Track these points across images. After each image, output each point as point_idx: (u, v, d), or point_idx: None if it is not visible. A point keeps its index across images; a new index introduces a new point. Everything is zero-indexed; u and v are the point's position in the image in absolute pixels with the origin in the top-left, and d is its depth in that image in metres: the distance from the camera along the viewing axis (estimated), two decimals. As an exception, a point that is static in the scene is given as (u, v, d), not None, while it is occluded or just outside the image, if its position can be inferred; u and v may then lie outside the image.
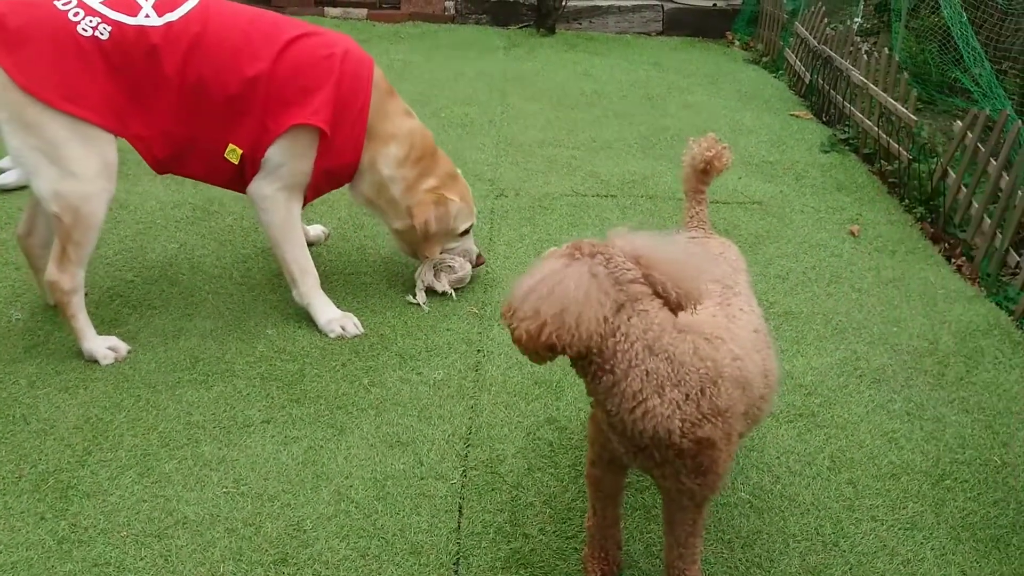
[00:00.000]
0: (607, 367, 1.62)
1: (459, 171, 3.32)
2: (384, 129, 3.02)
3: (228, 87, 2.73)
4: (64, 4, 2.56)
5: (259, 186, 2.90)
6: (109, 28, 2.57)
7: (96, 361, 2.81)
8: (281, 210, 2.94)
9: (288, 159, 2.85)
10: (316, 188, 3.04)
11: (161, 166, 2.88)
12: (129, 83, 2.65)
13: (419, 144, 3.10)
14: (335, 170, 2.99)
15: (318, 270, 3.12)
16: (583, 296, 1.55)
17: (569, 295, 1.55)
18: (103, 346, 2.84)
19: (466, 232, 3.33)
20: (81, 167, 2.62)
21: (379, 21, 7.74)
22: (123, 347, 2.87)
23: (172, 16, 2.68)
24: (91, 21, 2.56)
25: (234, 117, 2.78)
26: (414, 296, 3.28)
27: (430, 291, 3.30)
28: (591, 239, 1.65)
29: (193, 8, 2.73)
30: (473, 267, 3.38)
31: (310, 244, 3.61)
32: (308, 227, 3.67)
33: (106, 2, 2.61)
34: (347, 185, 3.17)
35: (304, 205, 3.09)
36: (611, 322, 1.59)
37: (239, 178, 2.94)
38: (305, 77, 2.80)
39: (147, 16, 2.64)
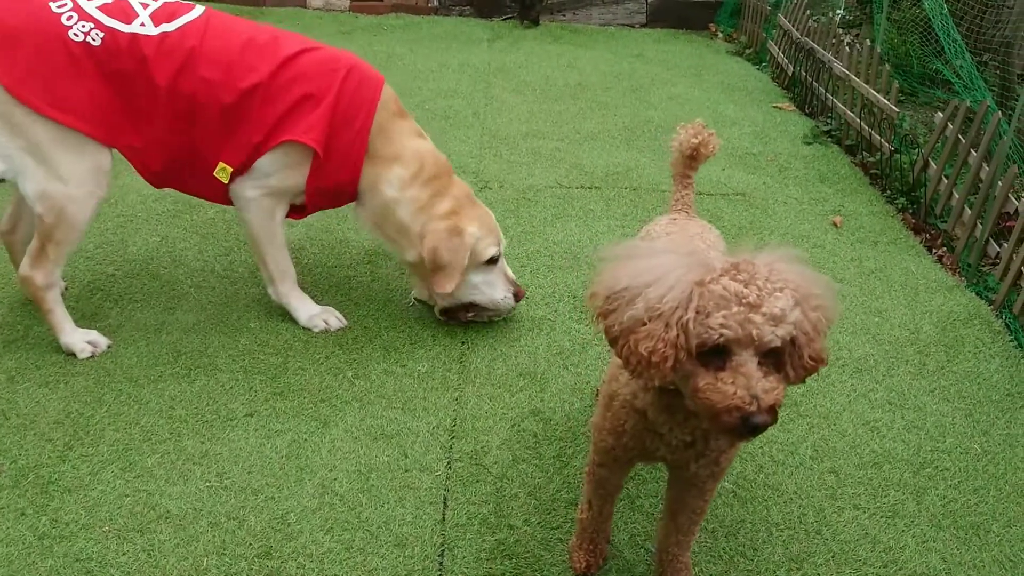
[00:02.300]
0: None
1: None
2: (387, 150, 2.86)
3: (222, 101, 2.65)
4: (59, 6, 2.51)
5: (243, 187, 2.81)
6: (102, 35, 2.52)
7: (74, 355, 2.79)
8: (264, 212, 2.86)
9: (277, 171, 2.78)
10: (314, 204, 2.95)
11: (157, 179, 2.83)
12: (122, 92, 2.58)
13: (430, 164, 2.92)
14: (330, 189, 2.87)
15: (300, 263, 3.11)
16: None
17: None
18: (82, 340, 2.81)
19: (492, 261, 2.98)
20: (69, 171, 2.58)
21: (362, 13, 7.70)
22: (103, 341, 2.85)
23: (168, 27, 2.61)
24: (84, 26, 2.50)
25: (226, 132, 2.70)
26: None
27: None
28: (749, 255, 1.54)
29: (191, 21, 2.67)
30: (516, 300, 3.05)
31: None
32: None
33: (102, 7, 2.56)
34: (354, 209, 3.03)
35: (302, 217, 3.06)
36: None
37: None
38: (301, 93, 2.70)
39: (142, 25, 2.57)
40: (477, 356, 2.95)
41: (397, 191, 2.88)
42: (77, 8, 2.52)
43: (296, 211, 3.02)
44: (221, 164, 2.74)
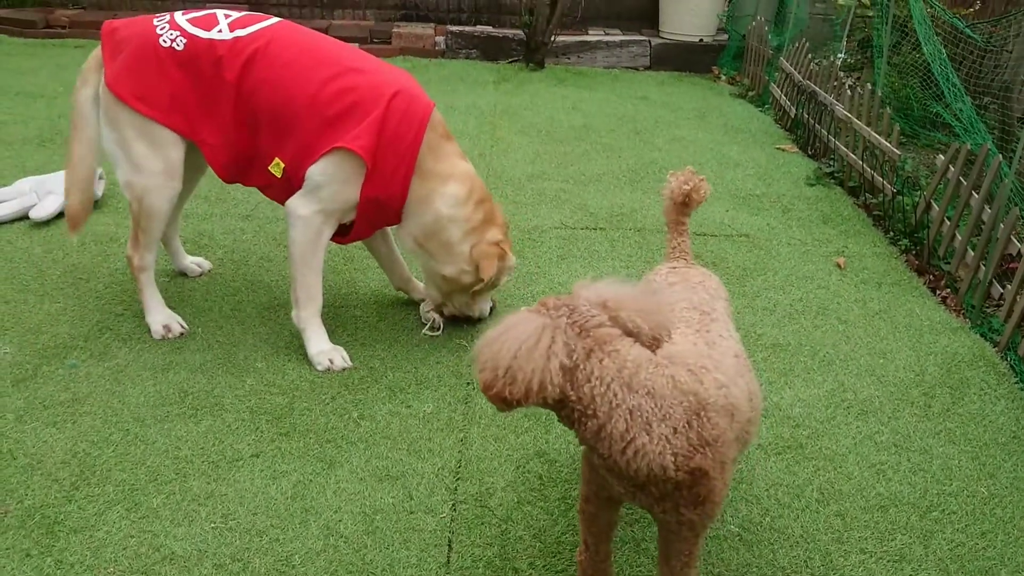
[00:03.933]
0: (589, 412, 1.63)
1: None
2: (440, 168, 3.00)
3: (275, 100, 2.86)
4: (158, 20, 2.94)
5: (297, 204, 2.93)
6: (185, 40, 2.87)
7: (150, 333, 3.17)
8: (311, 232, 2.94)
9: (328, 183, 2.87)
10: (367, 218, 3.00)
11: (227, 172, 3.03)
12: (199, 91, 2.89)
13: (478, 187, 3.08)
14: (384, 200, 2.94)
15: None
16: (529, 350, 1.58)
17: (517, 349, 1.58)
18: (159, 322, 3.17)
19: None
20: (146, 163, 2.94)
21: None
22: (177, 329, 3.18)
23: (242, 32, 2.92)
24: (172, 34, 2.88)
25: (282, 131, 2.90)
26: (430, 329, 3.32)
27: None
28: (557, 296, 1.68)
29: (263, 27, 2.95)
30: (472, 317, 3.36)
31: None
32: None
33: (192, 20, 2.93)
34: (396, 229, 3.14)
35: (346, 241, 3.13)
36: (582, 368, 1.61)
37: (289, 193, 2.99)
38: (350, 104, 2.85)
39: (220, 31, 2.90)
40: (482, 397, 2.95)
41: (452, 208, 3.02)
42: (171, 22, 2.93)
43: (341, 234, 3.10)
44: (276, 159, 2.94)
